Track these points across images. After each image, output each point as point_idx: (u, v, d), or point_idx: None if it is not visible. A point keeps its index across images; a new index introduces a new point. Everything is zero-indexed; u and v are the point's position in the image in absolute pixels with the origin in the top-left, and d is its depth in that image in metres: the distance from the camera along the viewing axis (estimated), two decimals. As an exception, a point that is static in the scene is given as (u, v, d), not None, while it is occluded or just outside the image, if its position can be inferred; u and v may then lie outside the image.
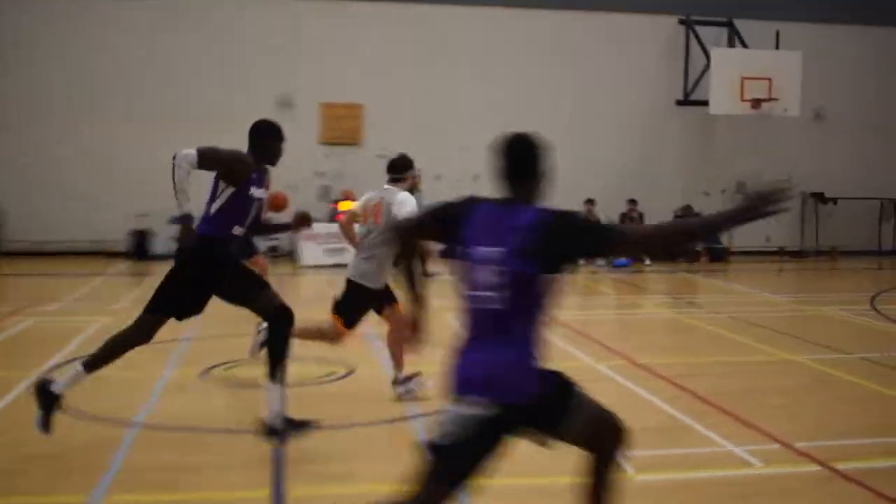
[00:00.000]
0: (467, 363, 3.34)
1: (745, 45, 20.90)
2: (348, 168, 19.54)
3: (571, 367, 8.15)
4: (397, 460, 4.71)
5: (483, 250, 3.21)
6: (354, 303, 7.35)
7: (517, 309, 3.22)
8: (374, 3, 19.72)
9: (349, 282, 7.39)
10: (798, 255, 21.69)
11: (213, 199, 5.89)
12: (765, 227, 21.14)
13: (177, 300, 5.90)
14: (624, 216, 19.85)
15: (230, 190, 5.83)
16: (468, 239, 3.27)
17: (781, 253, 21.32)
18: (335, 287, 7.82)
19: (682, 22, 21.13)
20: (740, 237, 20.59)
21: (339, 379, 8.13)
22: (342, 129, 19.59)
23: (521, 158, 3.36)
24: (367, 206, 7.58)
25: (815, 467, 5.65)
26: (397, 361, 7.36)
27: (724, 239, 20.33)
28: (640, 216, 19.83)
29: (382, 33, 19.89)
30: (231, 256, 6.14)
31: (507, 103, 19.90)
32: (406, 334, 5.33)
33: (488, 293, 3.22)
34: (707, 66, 20.27)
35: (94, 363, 5.81)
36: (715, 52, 20.21)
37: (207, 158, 5.73)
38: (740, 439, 6.16)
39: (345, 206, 16.71)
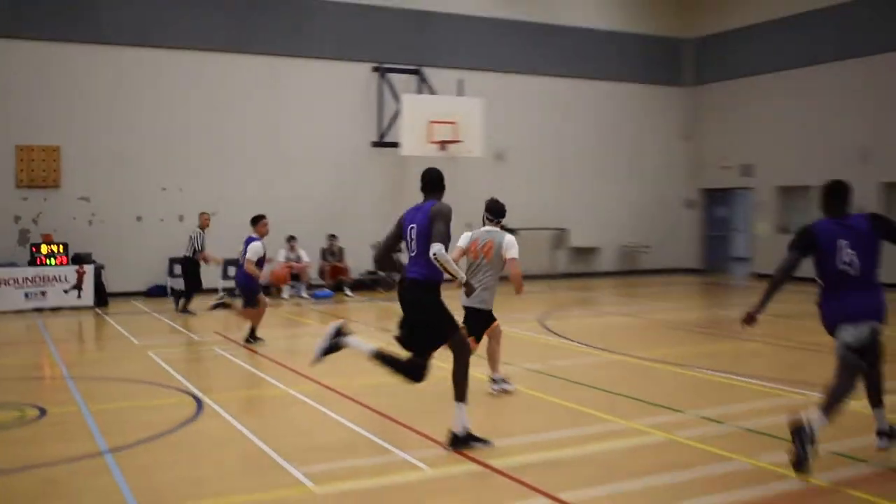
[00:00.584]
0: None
1: (432, 91, 22.03)
2: (48, 211, 18.94)
3: (265, 395, 8.79)
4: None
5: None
6: (478, 323, 8.78)
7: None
8: (65, 45, 19.08)
9: (470, 309, 8.74)
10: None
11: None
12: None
13: None
14: (325, 251, 20.45)
15: None
16: None
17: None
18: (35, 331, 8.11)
19: (375, 69, 21.98)
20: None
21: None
22: (39, 171, 18.74)
23: None
24: (476, 244, 8.91)
25: (475, 466, 6.37)
26: (495, 364, 9.13)
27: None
28: (341, 250, 20.54)
29: (75, 74, 19.22)
30: None
31: (212, 144, 20.13)
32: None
33: None
34: (398, 111, 21.13)
35: None
36: (405, 98, 20.99)
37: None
38: (410, 447, 6.86)
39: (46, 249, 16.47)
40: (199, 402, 8.64)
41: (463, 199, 22.14)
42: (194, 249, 16.54)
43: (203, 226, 16.78)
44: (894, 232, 6.44)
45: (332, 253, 20.44)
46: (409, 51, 22.46)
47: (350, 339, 6.89)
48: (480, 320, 8.83)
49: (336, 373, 10.32)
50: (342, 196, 21.60)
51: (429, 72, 22.44)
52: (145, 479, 6.17)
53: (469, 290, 7.18)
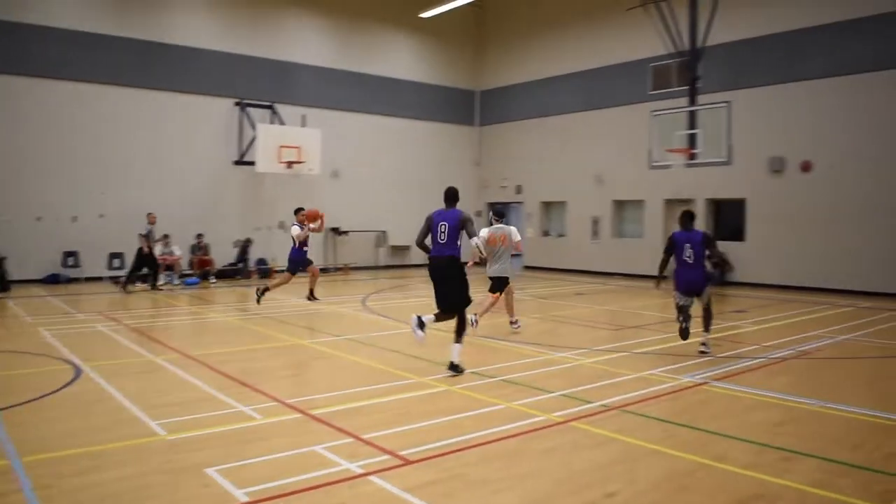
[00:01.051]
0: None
1: (282, 123, 21.74)
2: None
3: (134, 363, 8.39)
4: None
5: None
6: (500, 285, 11.05)
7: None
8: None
9: (495, 277, 11.08)
10: (324, 270, 22.99)
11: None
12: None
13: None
14: (194, 246, 19.82)
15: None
16: None
17: (312, 270, 22.46)
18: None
19: (237, 104, 21.47)
20: (282, 259, 21.46)
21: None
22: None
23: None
24: (494, 236, 11.07)
25: (297, 415, 6.39)
26: (511, 311, 11.41)
27: (270, 260, 21.16)
28: (207, 246, 19.97)
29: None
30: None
31: (105, 160, 19.11)
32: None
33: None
34: (254, 137, 20.79)
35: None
36: (260, 127, 20.70)
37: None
38: (250, 402, 6.79)
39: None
40: (78, 369, 8.18)
41: (307, 206, 22.06)
42: (146, 238, 16.90)
43: (151, 222, 17.05)
44: (712, 244, 9.44)
45: (199, 248, 19.82)
46: (265, 90, 22.00)
47: (424, 318, 8.28)
48: (502, 283, 11.04)
49: (198, 344, 10.07)
50: (209, 203, 21.01)
51: (280, 107, 22.10)
52: (26, 432, 5.83)
53: (484, 262, 10.39)
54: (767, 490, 4.70)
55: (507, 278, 11.09)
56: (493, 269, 10.99)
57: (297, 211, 14.42)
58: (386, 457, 5.24)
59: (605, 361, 8.95)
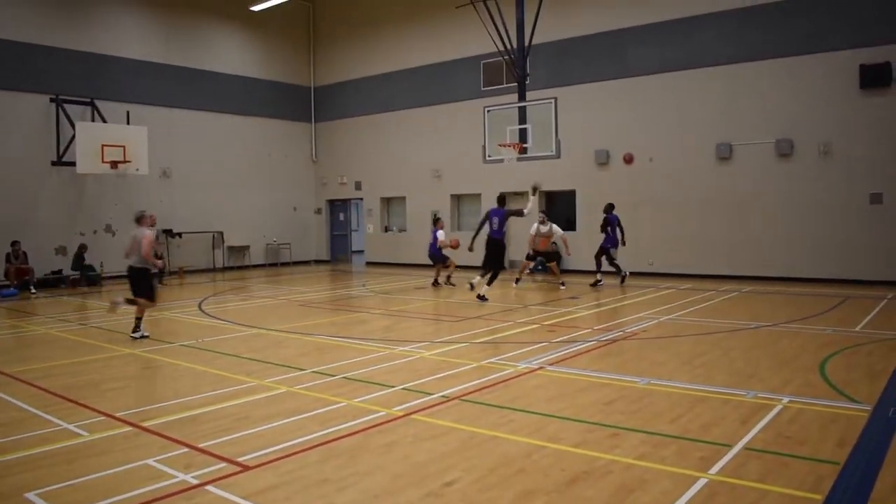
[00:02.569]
0: None
1: (104, 120, 20.45)
2: None
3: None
4: None
5: None
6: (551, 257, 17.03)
7: None
8: None
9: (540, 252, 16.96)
10: (157, 274, 21.91)
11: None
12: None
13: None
14: (9, 255, 18.16)
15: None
16: None
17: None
18: None
19: (52, 100, 19.99)
20: (110, 264, 20.32)
21: None
22: None
23: None
24: (538, 232, 16.92)
25: (127, 428, 6.04)
26: (557, 276, 16.85)
27: (97, 266, 19.92)
28: (25, 254, 18.41)
29: None
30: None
31: None
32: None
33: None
34: (74, 136, 19.44)
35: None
36: (79, 125, 19.39)
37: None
38: (75, 418, 6.35)
39: None
40: None
41: (137, 207, 20.96)
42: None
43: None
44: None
45: (16, 256, 18.23)
46: (84, 86, 20.60)
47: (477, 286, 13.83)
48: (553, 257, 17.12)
49: (17, 360, 9.33)
50: (25, 207, 19.38)
51: (101, 104, 20.73)
52: None
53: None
54: (597, 465, 4.94)
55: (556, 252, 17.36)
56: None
57: (437, 220, 18.26)
58: (223, 464, 5.06)
59: (445, 353, 9.09)
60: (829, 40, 16.41)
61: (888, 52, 15.70)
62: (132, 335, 10.57)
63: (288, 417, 6.24)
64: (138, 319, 10.69)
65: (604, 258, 16.93)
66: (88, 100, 20.55)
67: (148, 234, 10.79)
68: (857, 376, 7.46)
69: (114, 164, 19.42)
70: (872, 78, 15.82)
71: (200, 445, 5.47)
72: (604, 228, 16.77)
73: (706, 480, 4.64)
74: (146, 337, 10.59)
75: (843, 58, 16.23)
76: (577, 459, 5.07)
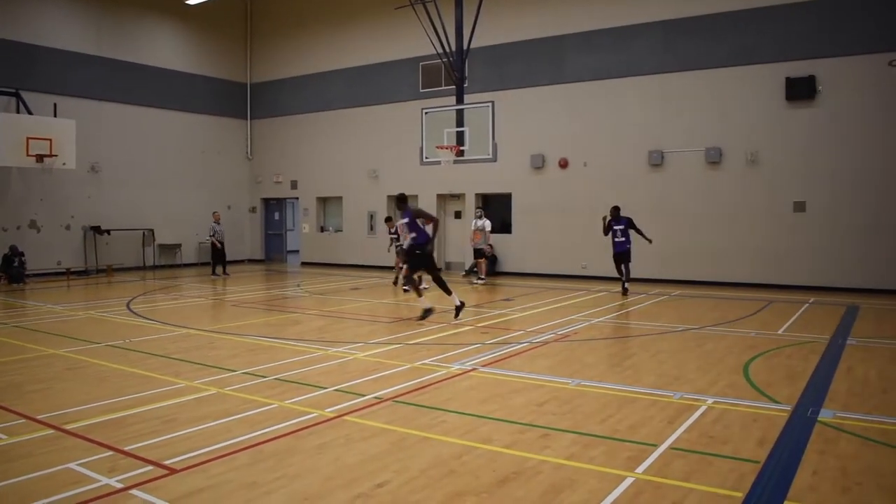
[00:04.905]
0: None
1: (29, 112, 19.74)
2: None
3: None
4: None
5: None
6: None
7: None
8: None
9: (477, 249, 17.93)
10: (84, 273, 21.35)
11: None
12: (56, 253, 20.47)
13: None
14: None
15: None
16: None
17: (69, 273, 20.73)
18: None
19: (-29, 89, 19.24)
20: (34, 262, 19.66)
21: None
22: None
23: None
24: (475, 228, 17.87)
25: (49, 431, 5.82)
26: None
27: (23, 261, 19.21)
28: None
29: None
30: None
31: None
32: None
33: None
34: None
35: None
36: (2, 116, 18.75)
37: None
38: (-8, 421, 6.13)
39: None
40: None
41: (62, 205, 20.42)
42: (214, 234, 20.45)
43: (217, 220, 20.32)
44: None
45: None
46: (8, 76, 19.80)
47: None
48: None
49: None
50: None
51: (27, 95, 19.98)
52: None
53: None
54: (527, 466, 4.99)
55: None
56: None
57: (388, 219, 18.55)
58: (149, 468, 4.94)
59: (379, 354, 9.06)
60: (758, 53, 16.95)
61: (813, 65, 16.30)
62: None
63: (217, 419, 6.13)
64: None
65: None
66: (13, 90, 19.80)
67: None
68: (778, 378, 7.72)
69: (39, 158, 18.78)
70: (798, 90, 16.41)
71: (126, 448, 5.33)
72: (607, 232, 15.96)
73: (633, 479, 4.74)
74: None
75: (771, 70, 16.78)
76: (508, 460, 5.11)
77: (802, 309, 13.33)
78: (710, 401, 6.71)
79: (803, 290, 16.21)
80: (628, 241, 15.74)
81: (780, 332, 10.81)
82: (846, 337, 10.27)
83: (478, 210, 18.81)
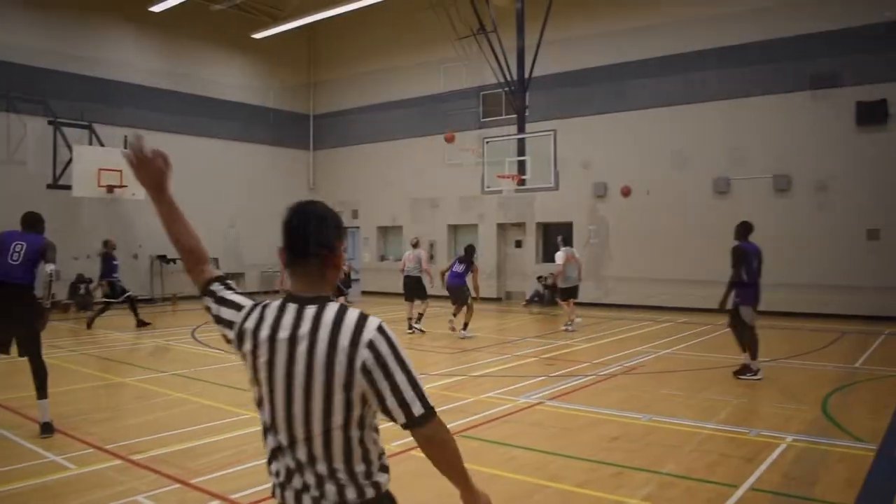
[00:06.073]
0: None
1: (101, 144, 20.37)
2: None
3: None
4: None
5: None
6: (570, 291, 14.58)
7: None
8: None
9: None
10: (150, 301, 21.78)
11: None
12: (124, 283, 20.95)
13: None
14: None
15: None
16: None
17: (138, 301, 21.12)
18: None
19: (50, 122, 19.92)
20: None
21: None
22: None
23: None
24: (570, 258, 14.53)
25: (117, 461, 5.83)
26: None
27: (91, 289, 19.69)
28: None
29: None
30: None
31: None
32: None
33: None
34: (71, 159, 19.33)
35: None
36: (76, 149, 19.29)
37: None
38: (63, 450, 6.16)
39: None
40: None
41: (130, 234, 20.96)
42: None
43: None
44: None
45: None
46: (83, 109, 20.48)
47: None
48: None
49: (6, 387, 9.10)
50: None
51: (99, 127, 20.63)
52: None
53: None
54: (602, 507, 4.81)
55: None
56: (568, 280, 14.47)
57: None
58: (217, 502, 4.92)
59: (443, 386, 8.95)
60: (827, 78, 16.49)
61: (885, 89, 15.78)
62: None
63: (284, 451, 6.07)
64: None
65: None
66: (87, 123, 20.48)
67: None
68: (859, 414, 7.36)
69: (110, 189, 19.34)
70: (869, 115, 15.90)
71: (193, 481, 5.32)
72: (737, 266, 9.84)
73: (715, 524, 4.51)
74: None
75: (841, 95, 16.31)
76: (581, 500, 4.94)
77: (879, 340, 12.78)
78: (789, 438, 6.41)
79: (876, 320, 15.55)
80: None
81: (857, 365, 10.37)
82: (931, 371, 9.78)
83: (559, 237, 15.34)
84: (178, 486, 5.24)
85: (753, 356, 9.29)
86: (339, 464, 2.04)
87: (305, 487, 2.05)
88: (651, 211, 18.93)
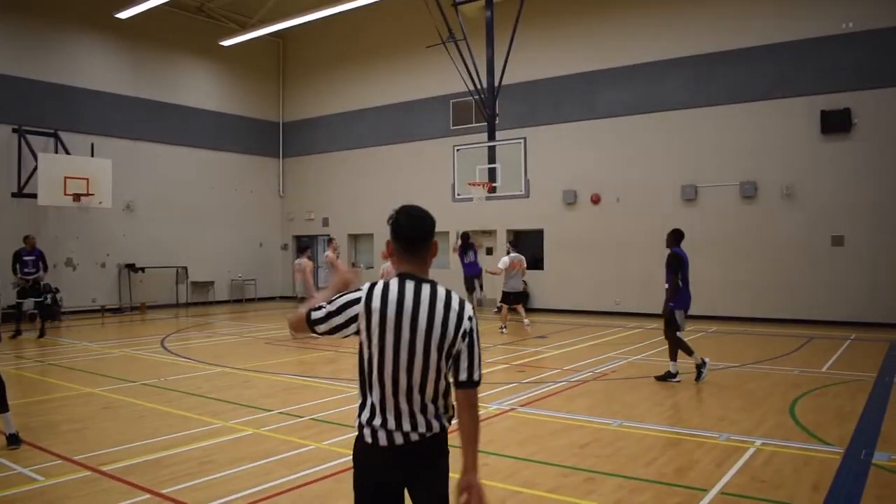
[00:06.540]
0: None
1: (67, 152, 20.10)
2: None
3: None
4: None
5: None
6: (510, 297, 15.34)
7: None
8: None
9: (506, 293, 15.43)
10: (118, 310, 21.49)
11: None
12: (91, 291, 20.67)
13: None
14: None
15: None
16: None
17: (104, 310, 20.91)
18: None
19: (14, 130, 19.59)
20: (70, 299, 19.90)
21: None
22: None
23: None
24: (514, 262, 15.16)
25: (86, 472, 5.78)
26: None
27: (59, 298, 19.38)
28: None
29: None
30: None
31: None
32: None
33: None
34: (36, 167, 19.04)
35: None
36: (42, 157, 18.99)
37: None
38: (30, 462, 6.06)
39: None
40: None
41: (98, 243, 20.67)
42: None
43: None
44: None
45: (-30, 290, 17.58)
46: (48, 117, 20.23)
47: None
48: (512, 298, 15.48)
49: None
50: None
51: (65, 135, 20.38)
52: None
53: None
54: (574, 512, 4.84)
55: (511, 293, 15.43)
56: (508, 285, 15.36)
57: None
58: (188, 512, 4.86)
59: (415, 393, 8.92)
60: (792, 86, 16.81)
61: (848, 98, 16.12)
62: None
63: (255, 461, 6.04)
64: None
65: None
66: (52, 131, 20.21)
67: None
68: (826, 418, 7.49)
69: (76, 197, 19.07)
70: (833, 123, 16.21)
71: (163, 491, 5.27)
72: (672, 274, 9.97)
73: (685, 527, 4.56)
74: None
75: (805, 103, 16.62)
76: (553, 505, 4.96)
77: (844, 346, 13.01)
78: (758, 442, 6.51)
79: (842, 325, 15.84)
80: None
81: (823, 369, 10.55)
82: (893, 374, 9.98)
83: (508, 244, 16.73)
84: (148, 496, 5.18)
85: (673, 357, 9.66)
86: (431, 405, 2.66)
87: (400, 424, 2.64)
88: (621, 218, 19.12)
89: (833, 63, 16.34)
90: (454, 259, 19.49)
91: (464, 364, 2.66)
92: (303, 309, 2.77)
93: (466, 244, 16.93)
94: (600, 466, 5.84)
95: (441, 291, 2.68)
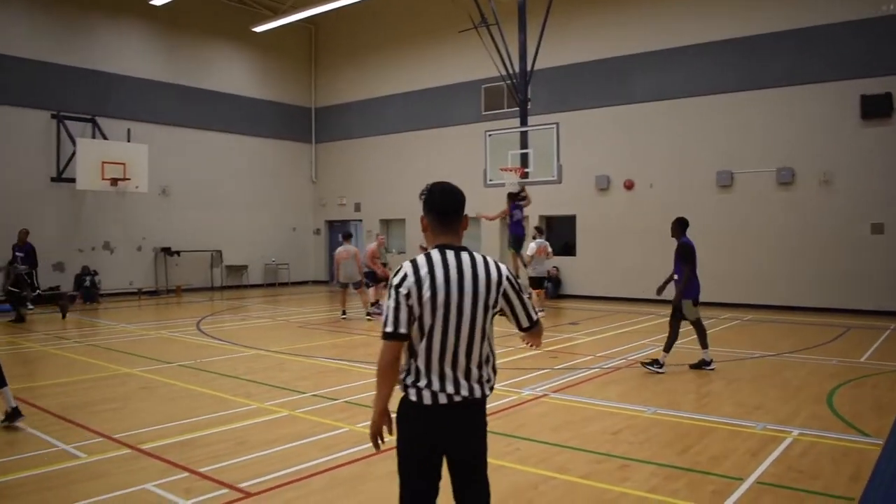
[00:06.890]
0: None
1: (105, 137, 20.40)
2: None
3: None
4: None
5: None
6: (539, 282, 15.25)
7: None
8: None
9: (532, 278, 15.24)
10: (154, 293, 21.81)
11: None
12: (128, 274, 21.00)
13: None
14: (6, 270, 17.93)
15: None
16: None
17: (140, 293, 21.25)
18: None
19: (53, 116, 19.92)
20: (108, 282, 20.22)
21: None
22: None
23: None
24: (542, 247, 15.26)
25: (126, 450, 5.89)
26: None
27: (97, 281, 19.73)
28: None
29: None
30: None
31: None
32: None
33: None
34: (74, 152, 19.35)
35: None
36: (80, 142, 19.31)
37: None
38: (72, 439, 6.20)
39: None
40: None
41: (135, 226, 20.97)
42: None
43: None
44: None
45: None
46: (86, 103, 20.53)
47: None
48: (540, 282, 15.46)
49: (10, 378, 9.09)
50: (23, 223, 18.60)
51: (102, 121, 20.70)
52: None
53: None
54: (607, 498, 4.81)
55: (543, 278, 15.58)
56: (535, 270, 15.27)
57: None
58: (224, 490, 4.92)
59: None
60: (831, 71, 16.45)
61: (889, 82, 15.73)
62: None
63: (289, 442, 6.10)
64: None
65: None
66: (90, 117, 20.51)
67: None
68: (864, 408, 7.36)
69: (113, 182, 19.36)
70: (873, 108, 15.85)
71: (201, 470, 5.34)
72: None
73: (720, 516, 4.51)
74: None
75: (845, 88, 16.26)
76: (586, 492, 4.94)
77: (884, 336, 12.77)
78: (795, 432, 6.41)
79: (882, 315, 15.54)
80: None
81: (862, 359, 10.36)
82: (935, 366, 9.78)
83: (535, 229, 16.46)
84: (186, 474, 5.26)
85: (704, 346, 9.53)
86: (476, 370, 2.90)
87: (444, 387, 2.84)
88: (654, 204, 18.90)
89: (873, 46, 15.96)
90: (485, 229, 19.42)
91: (520, 313, 2.98)
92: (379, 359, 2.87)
93: (519, 198, 15.72)
94: (634, 453, 5.80)
95: (478, 257, 2.92)
